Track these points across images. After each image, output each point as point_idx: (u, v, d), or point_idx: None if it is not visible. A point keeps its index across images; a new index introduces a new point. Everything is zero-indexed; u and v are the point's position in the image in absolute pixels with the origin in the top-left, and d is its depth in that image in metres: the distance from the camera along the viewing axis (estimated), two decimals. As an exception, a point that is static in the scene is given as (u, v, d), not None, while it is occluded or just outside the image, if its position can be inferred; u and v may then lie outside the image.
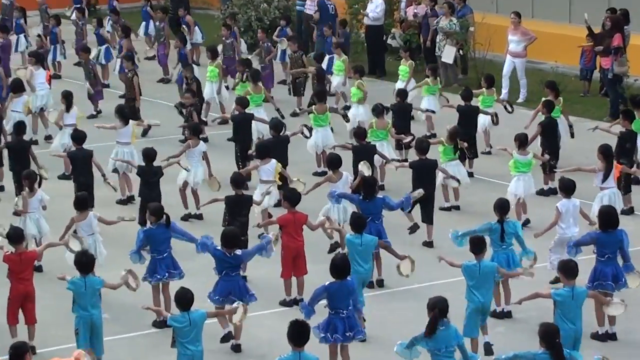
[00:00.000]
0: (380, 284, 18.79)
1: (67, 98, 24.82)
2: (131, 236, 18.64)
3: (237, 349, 16.78)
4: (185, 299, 14.88)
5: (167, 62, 33.00)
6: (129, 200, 22.08)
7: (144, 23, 35.42)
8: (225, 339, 16.60)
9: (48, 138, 25.74)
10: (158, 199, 19.49)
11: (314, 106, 24.72)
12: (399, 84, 26.91)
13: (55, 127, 25.15)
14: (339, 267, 15.70)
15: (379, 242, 17.70)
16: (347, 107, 26.34)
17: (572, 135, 23.54)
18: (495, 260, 16.80)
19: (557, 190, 19.54)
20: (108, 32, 34.01)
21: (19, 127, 22.74)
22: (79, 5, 36.74)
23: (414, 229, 19.94)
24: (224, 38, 31.02)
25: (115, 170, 22.47)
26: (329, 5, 33.39)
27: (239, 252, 16.97)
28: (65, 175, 23.35)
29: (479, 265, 16.22)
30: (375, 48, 32.00)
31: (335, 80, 28.14)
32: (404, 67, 27.21)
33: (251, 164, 21.77)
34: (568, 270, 15.47)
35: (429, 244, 20.31)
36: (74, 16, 35.10)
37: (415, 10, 32.58)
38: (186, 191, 22.01)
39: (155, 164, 20.96)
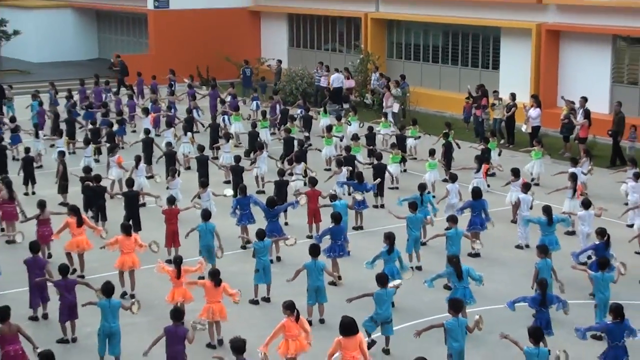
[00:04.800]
0: (360, 228, 18.83)
1: (185, 128, 24.75)
2: (228, 202, 18.97)
3: (278, 259, 16.90)
4: (261, 233, 15.07)
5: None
6: (228, 182, 21.69)
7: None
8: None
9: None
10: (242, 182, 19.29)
11: (326, 132, 24.47)
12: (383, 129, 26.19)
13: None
14: (336, 218, 15.95)
15: (348, 205, 17.64)
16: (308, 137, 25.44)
17: (459, 147, 23.40)
18: (421, 214, 16.80)
19: (448, 179, 19.62)
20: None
21: (169, 143, 22.58)
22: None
23: (382, 207, 19.87)
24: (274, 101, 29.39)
25: (223, 166, 22.15)
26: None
27: (277, 208, 17.13)
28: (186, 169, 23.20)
29: (416, 216, 16.42)
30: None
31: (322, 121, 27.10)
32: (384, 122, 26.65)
33: (292, 165, 21.26)
34: (453, 219, 15.75)
35: (381, 206, 20.02)
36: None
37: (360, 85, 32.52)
38: (258, 178, 21.77)
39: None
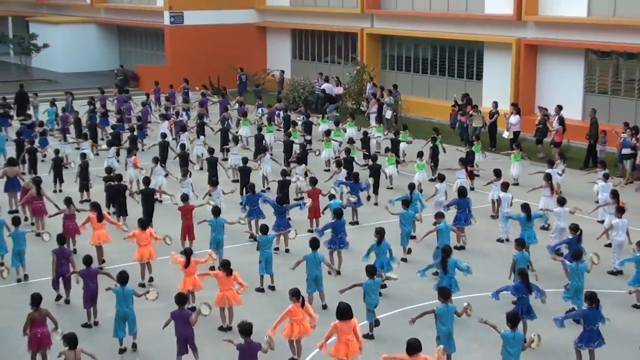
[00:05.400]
0: (357, 223, 18.71)
1: (198, 132, 24.70)
2: (236, 198, 18.94)
3: (287, 251, 16.85)
4: (265, 228, 15.05)
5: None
6: (236, 181, 21.62)
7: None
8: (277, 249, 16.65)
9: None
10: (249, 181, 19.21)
11: (325, 136, 24.44)
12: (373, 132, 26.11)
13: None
14: (338, 213, 15.92)
15: (342, 204, 17.52)
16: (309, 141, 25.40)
17: (445, 150, 23.24)
18: (412, 211, 16.73)
19: (436, 179, 19.53)
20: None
21: (183, 145, 22.55)
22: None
23: (375, 205, 19.89)
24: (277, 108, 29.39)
25: (230, 167, 22.33)
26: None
27: (285, 205, 17.09)
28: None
29: (408, 212, 16.36)
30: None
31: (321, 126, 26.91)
32: (378, 127, 26.67)
33: (291, 166, 21.35)
34: (441, 215, 15.73)
35: (375, 204, 20.10)
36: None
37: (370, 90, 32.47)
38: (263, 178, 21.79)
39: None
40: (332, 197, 17.49)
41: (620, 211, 15.95)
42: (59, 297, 14.33)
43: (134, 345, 12.56)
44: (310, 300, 13.75)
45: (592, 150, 24.23)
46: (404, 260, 16.12)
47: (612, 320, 12.15)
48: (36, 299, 11.81)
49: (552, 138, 24.97)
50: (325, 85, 33.56)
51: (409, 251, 16.35)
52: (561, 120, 24.89)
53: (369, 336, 12.68)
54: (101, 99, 31.39)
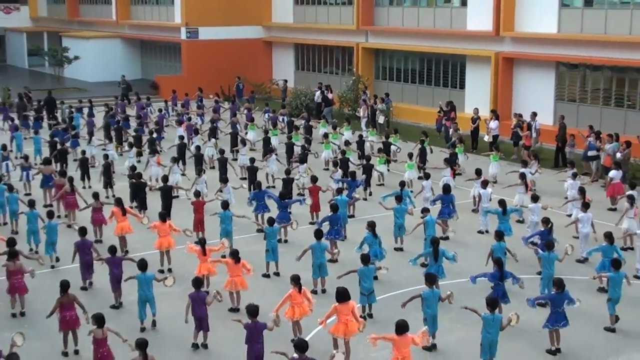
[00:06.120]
0: (352, 216, 18.51)
1: (209, 135, 24.77)
2: (245, 194, 18.94)
3: (286, 241, 16.72)
4: (271, 221, 15.00)
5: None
6: (244, 179, 21.56)
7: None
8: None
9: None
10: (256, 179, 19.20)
11: (324, 139, 24.23)
12: (365, 134, 26.17)
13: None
14: (333, 207, 15.86)
15: (349, 201, 17.55)
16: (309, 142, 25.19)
17: (432, 151, 23.08)
18: (404, 205, 16.64)
19: (423, 177, 19.50)
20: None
21: (198, 147, 22.48)
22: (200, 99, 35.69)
23: (370, 195, 19.83)
24: (281, 114, 29.18)
25: (242, 166, 22.28)
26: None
27: (287, 200, 17.00)
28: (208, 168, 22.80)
29: (400, 207, 16.30)
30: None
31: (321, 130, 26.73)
32: (372, 131, 26.54)
33: (293, 165, 21.27)
34: (426, 210, 15.67)
35: (364, 199, 19.97)
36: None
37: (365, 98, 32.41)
38: (269, 176, 21.70)
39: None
40: (340, 191, 17.38)
41: (585, 206, 15.96)
42: (84, 289, 14.25)
43: (154, 323, 12.58)
44: (314, 284, 13.80)
45: (561, 152, 24.26)
46: (400, 249, 16.08)
47: (578, 303, 12.11)
48: (65, 286, 11.82)
49: (523, 142, 25.01)
50: (319, 93, 33.42)
51: (401, 249, 16.28)
52: (529, 127, 24.99)
53: (363, 316, 12.63)
54: (121, 105, 31.37)
